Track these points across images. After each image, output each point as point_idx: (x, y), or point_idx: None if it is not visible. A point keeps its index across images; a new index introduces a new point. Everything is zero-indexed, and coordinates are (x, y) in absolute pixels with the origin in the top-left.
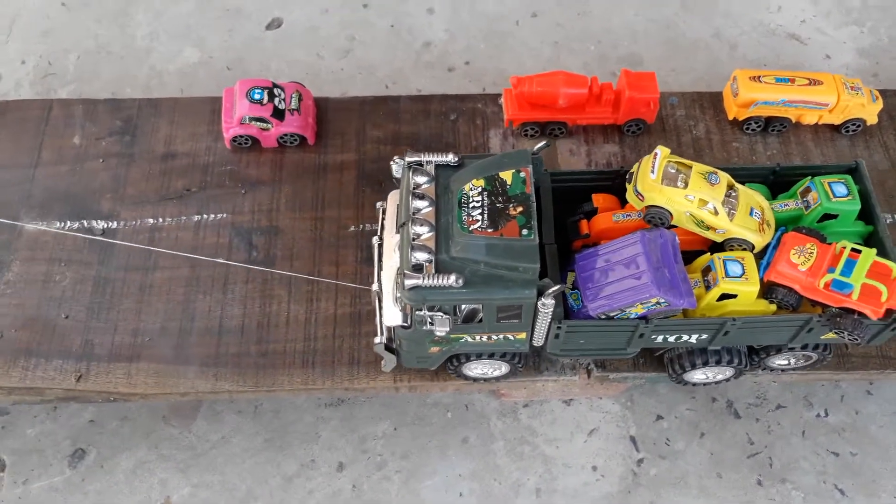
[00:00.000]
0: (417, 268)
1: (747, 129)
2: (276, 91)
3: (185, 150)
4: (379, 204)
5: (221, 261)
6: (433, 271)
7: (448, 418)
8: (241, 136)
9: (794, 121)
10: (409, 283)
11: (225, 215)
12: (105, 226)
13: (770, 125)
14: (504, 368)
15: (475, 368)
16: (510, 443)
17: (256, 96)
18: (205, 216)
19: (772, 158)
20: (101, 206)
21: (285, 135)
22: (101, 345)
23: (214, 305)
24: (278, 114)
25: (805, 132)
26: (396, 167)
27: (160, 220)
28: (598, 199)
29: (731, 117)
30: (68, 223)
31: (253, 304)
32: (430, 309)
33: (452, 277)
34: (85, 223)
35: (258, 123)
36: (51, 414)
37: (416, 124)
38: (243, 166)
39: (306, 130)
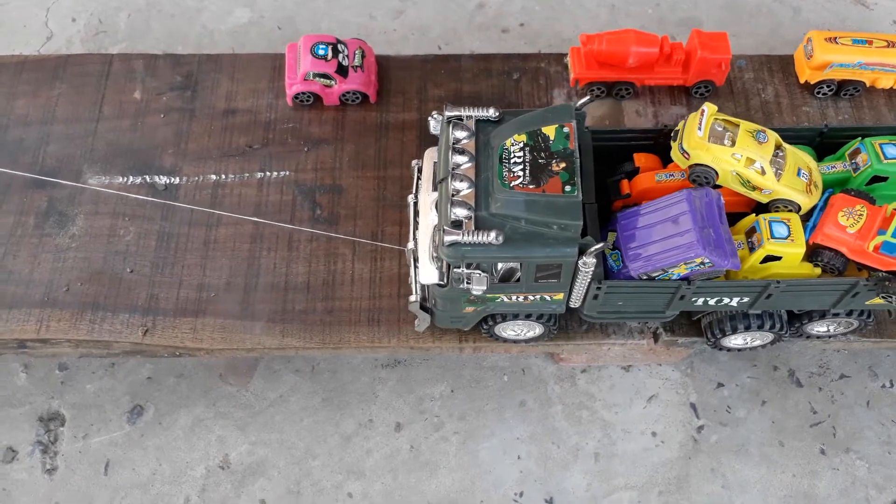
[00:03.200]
0: (457, 224)
1: (818, 92)
2: (339, 47)
3: (246, 106)
4: (415, 162)
5: (285, 224)
6: (472, 227)
7: (505, 381)
8: (303, 93)
9: (868, 84)
10: (448, 238)
11: (288, 173)
12: (168, 181)
13: (843, 89)
14: (538, 330)
15: (509, 329)
16: (568, 407)
17: (321, 52)
18: (268, 173)
19: (843, 123)
20: (164, 162)
21: (347, 92)
22: (166, 299)
23: (280, 262)
24: (342, 70)
25: (878, 96)
26: (435, 123)
27: (223, 176)
28: (640, 159)
29: (802, 80)
30: (131, 178)
31: (318, 262)
32: (469, 266)
33: (493, 234)
34: (147, 178)
35: (322, 80)
36: (109, 370)
37: (478, 83)
38: (305, 124)
39: (369, 88)
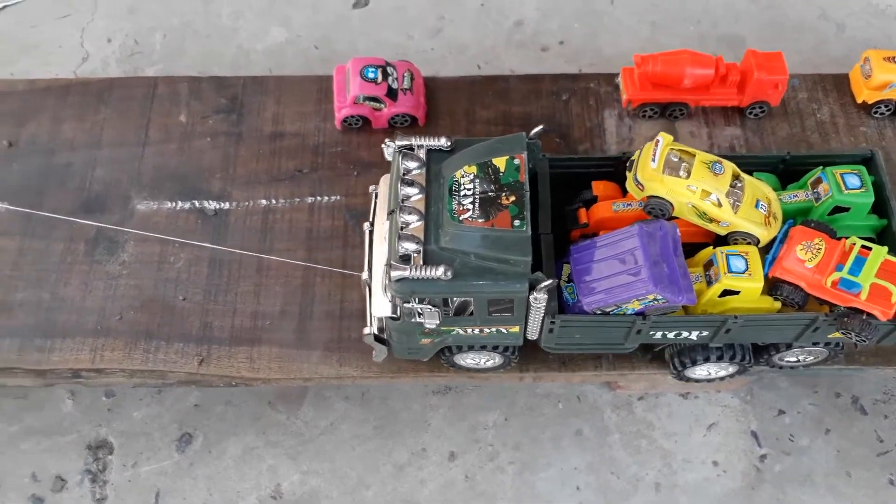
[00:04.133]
0: (405, 258)
1: (876, 112)
2: (389, 70)
3: (293, 129)
4: (372, 187)
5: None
6: (421, 262)
7: (560, 409)
8: (352, 117)
9: None
10: (395, 274)
11: (338, 197)
12: (217, 206)
13: None
14: (498, 359)
15: (468, 359)
16: (626, 436)
17: (370, 75)
18: (318, 198)
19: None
20: (212, 186)
21: (396, 115)
22: (220, 328)
23: (334, 289)
24: (392, 93)
25: None
26: (388, 151)
27: (273, 201)
28: (599, 187)
29: (859, 100)
30: (179, 203)
31: None
32: (419, 301)
33: (441, 269)
34: (196, 203)
35: (372, 103)
36: (156, 397)
37: (527, 104)
38: (354, 147)
39: (418, 111)
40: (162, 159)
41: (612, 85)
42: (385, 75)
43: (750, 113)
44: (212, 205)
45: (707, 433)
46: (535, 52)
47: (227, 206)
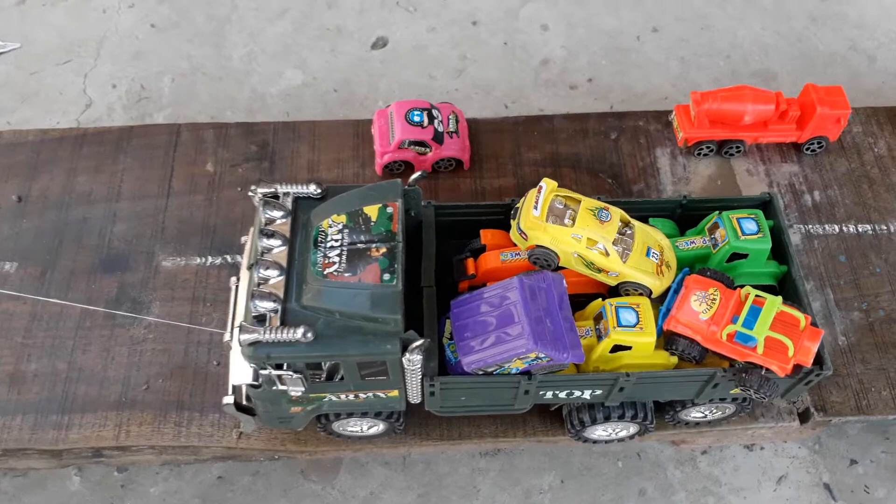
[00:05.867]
0: (261, 319)
1: None
2: (434, 112)
3: (330, 177)
4: (243, 238)
5: None
6: (278, 323)
7: (619, 468)
8: (394, 162)
9: None
10: (246, 337)
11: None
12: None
13: None
14: (382, 426)
15: (348, 427)
16: (692, 494)
17: (416, 118)
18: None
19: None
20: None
21: (441, 160)
22: None
23: None
24: (438, 137)
25: None
26: (257, 198)
27: None
28: (487, 236)
29: None
30: (209, 259)
31: None
32: (278, 367)
33: (300, 331)
34: (228, 258)
35: (417, 148)
36: (174, 469)
37: (575, 145)
38: None
39: (464, 154)
40: (188, 211)
41: (662, 122)
42: (431, 118)
43: (807, 149)
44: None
45: (777, 487)
46: (564, 90)
47: None
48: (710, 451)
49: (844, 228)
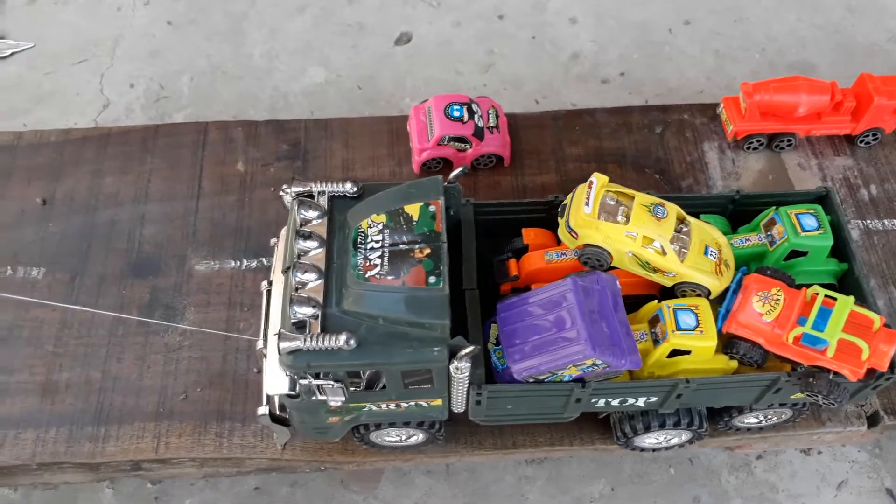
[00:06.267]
0: (300, 325)
1: None
2: (473, 107)
3: (366, 175)
4: (273, 240)
5: None
6: (318, 330)
7: (672, 475)
8: (433, 160)
9: None
10: (286, 345)
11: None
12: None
13: None
14: (421, 436)
15: (386, 437)
16: (748, 501)
17: (456, 113)
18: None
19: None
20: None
21: (481, 156)
22: None
23: None
24: (478, 133)
25: None
26: (286, 198)
27: None
28: (529, 235)
29: None
30: (244, 262)
31: None
32: (318, 376)
33: (343, 338)
34: (265, 261)
35: (457, 144)
36: (210, 480)
37: (619, 139)
38: None
39: (505, 150)
40: (220, 213)
41: (709, 115)
42: (471, 113)
43: (861, 141)
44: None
45: (837, 493)
46: (596, 84)
47: None
48: (766, 455)
49: None
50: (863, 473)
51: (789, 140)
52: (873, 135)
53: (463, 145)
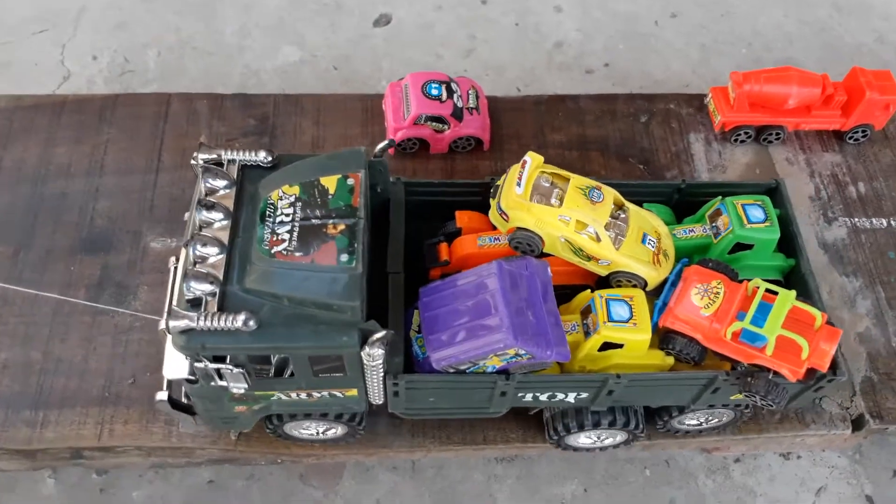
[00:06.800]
0: (196, 303)
1: None
2: (453, 86)
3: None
4: (187, 214)
5: None
6: (216, 309)
7: (647, 476)
8: (408, 140)
9: None
10: (175, 324)
11: None
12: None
13: None
14: (340, 429)
15: (302, 429)
16: None
17: (434, 92)
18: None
19: None
20: None
21: (459, 139)
22: None
23: None
24: (457, 113)
25: None
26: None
27: None
28: (463, 218)
29: None
30: None
31: None
32: (216, 360)
33: (241, 318)
34: None
35: (434, 124)
36: (160, 472)
37: (603, 127)
38: (409, 175)
39: (485, 133)
40: (180, 188)
41: (695, 106)
42: (450, 92)
43: (850, 137)
44: None
45: (816, 499)
46: (580, 74)
47: None
48: (744, 458)
49: (893, 222)
50: (842, 479)
51: (777, 133)
52: (863, 131)
53: (440, 126)
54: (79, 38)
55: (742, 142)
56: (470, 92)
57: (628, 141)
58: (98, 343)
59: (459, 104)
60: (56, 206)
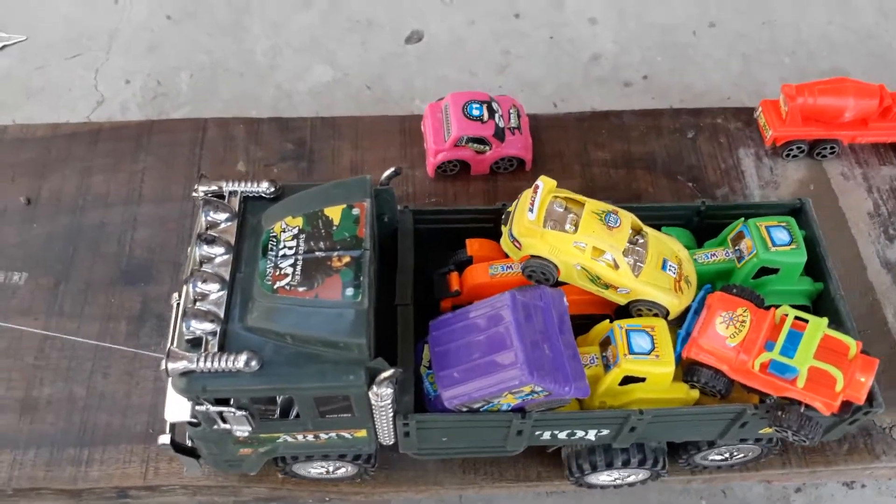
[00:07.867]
0: (196, 343)
1: None
2: (494, 106)
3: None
4: (190, 248)
5: None
6: (216, 349)
7: None
8: (449, 162)
9: None
10: (174, 366)
11: None
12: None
13: None
14: (350, 469)
15: (313, 469)
16: None
17: (475, 112)
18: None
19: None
20: None
21: (501, 159)
22: None
23: None
24: (499, 133)
25: None
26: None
27: None
28: (474, 246)
29: None
30: None
31: None
32: (217, 402)
33: (243, 358)
34: None
35: (475, 145)
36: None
37: (648, 143)
38: (451, 198)
39: (527, 153)
40: None
41: (743, 120)
42: (491, 112)
43: None
44: None
45: None
46: (618, 87)
47: None
48: (805, 488)
49: None
50: None
51: (832, 147)
52: None
53: (482, 147)
54: (112, 62)
55: (795, 157)
56: (511, 111)
57: (675, 157)
58: (140, 377)
59: (501, 124)
60: (95, 236)
